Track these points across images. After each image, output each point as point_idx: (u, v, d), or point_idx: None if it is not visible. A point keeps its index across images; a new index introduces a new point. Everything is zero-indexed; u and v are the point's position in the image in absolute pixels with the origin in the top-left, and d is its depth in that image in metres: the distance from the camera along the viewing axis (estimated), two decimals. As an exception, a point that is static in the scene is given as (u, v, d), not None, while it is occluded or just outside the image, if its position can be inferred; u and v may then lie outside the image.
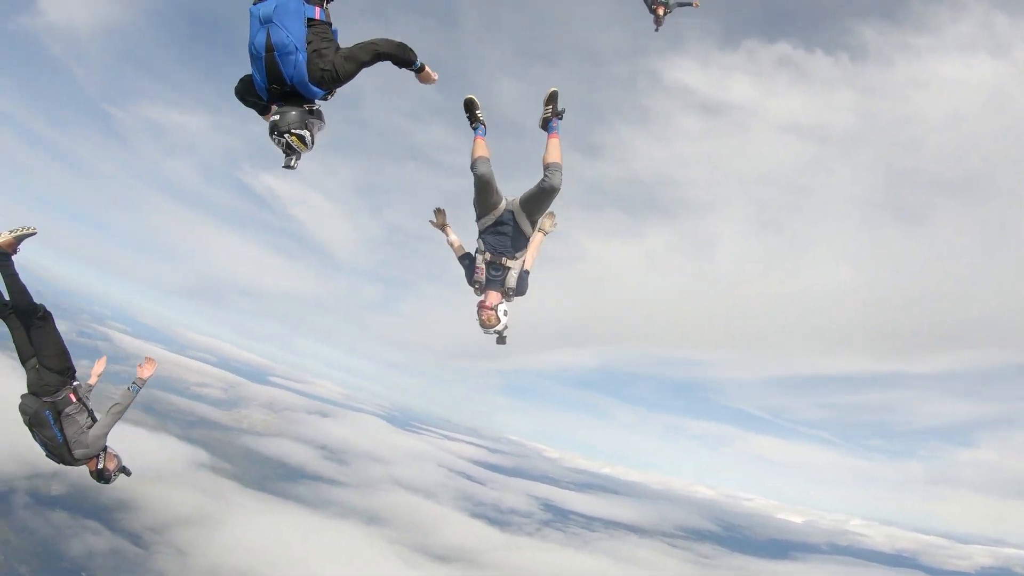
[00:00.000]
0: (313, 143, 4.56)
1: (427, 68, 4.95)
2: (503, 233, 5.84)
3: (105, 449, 6.52)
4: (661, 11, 13.00)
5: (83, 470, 6.61)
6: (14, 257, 6.14)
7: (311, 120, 4.47)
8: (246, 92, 4.77)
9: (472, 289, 5.96)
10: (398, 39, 4.74)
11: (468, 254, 6.17)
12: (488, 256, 5.83)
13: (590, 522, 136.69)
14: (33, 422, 6.18)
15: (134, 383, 6.69)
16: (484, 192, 5.78)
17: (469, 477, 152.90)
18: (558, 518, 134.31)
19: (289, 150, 4.48)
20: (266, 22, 4.25)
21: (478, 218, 5.96)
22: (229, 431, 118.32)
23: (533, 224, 5.94)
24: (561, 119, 6.11)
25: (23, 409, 6.24)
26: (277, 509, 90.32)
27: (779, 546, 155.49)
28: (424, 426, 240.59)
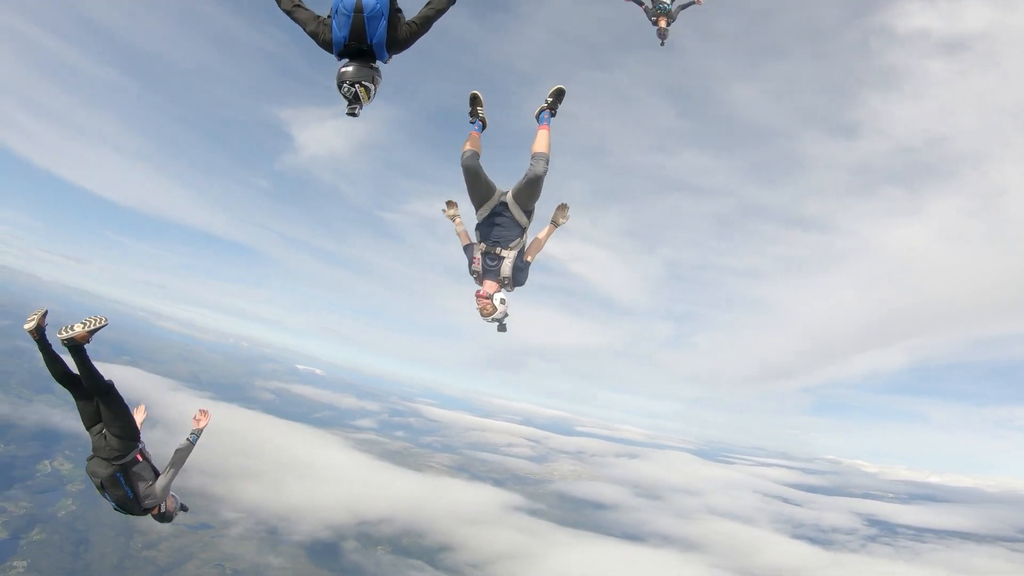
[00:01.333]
0: (374, 96, 5.13)
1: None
2: (497, 224, 6.09)
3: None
4: (664, 23, 11.89)
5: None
6: (87, 347, 6.26)
7: (377, 77, 5.05)
8: (315, 29, 5.21)
9: (472, 279, 6.20)
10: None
11: (470, 244, 6.38)
12: (483, 246, 6.11)
13: (920, 533, 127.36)
14: (104, 484, 6.45)
15: (192, 433, 7.06)
16: (473, 184, 6.05)
17: (786, 500, 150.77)
18: (885, 532, 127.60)
19: (355, 99, 5.02)
20: None
21: (476, 210, 6.24)
22: (542, 479, 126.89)
23: (528, 214, 6.16)
24: (554, 115, 6.40)
25: (92, 472, 6.48)
26: (594, 542, 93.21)
27: None
28: (734, 455, 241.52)
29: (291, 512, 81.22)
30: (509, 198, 6.06)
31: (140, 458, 6.65)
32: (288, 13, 5.26)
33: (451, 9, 5.23)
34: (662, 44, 11.97)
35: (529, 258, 6.26)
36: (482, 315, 5.95)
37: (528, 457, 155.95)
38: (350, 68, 4.96)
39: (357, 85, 4.94)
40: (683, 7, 12.07)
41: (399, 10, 5.03)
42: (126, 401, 6.45)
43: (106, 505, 6.74)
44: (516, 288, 6.19)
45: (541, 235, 6.43)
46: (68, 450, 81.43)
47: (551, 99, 6.41)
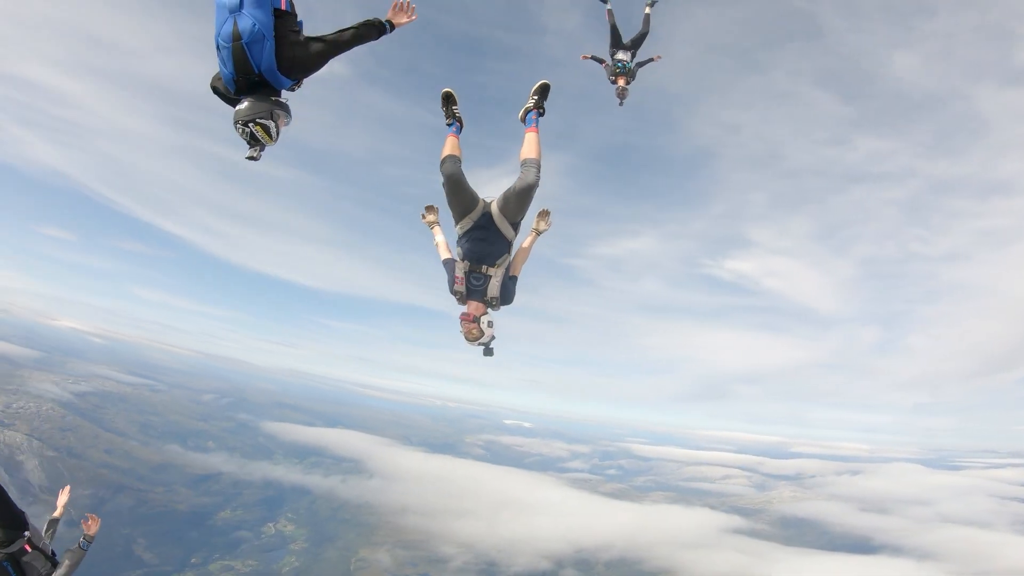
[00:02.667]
0: (278, 135, 4.45)
1: (395, 17, 4.82)
2: (482, 239, 5.47)
3: None
4: (623, 82, 11.46)
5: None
6: None
7: (277, 111, 4.38)
8: (219, 86, 4.72)
9: (454, 299, 5.53)
10: (367, 20, 4.68)
11: (452, 259, 5.70)
12: (467, 265, 5.46)
13: None
14: None
15: (84, 539, 7.12)
16: (454, 194, 5.48)
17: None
18: None
19: (253, 140, 4.37)
20: (233, 11, 4.20)
21: (456, 222, 5.62)
22: (762, 506, 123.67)
23: (515, 227, 5.58)
24: (542, 115, 5.84)
25: None
26: (822, 559, 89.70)
27: None
28: (964, 460, 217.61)
29: (509, 545, 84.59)
30: (494, 209, 5.52)
31: (29, 548, 6.47)
32: (215, 91, 4.75)
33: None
34: (620, 104, 11.53)
35: (516, 273, 5.74)
36: (467, 339, 5.43)
37: (745, 485, 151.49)
38: (243, 105, 4.34)
39: (252, 124, 4.30)
40: (641, 65, 11.69)
41: (295, 28, 4.45)
42: (16, 491, 7.50)
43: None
44: (503, 307, 5.63)
45: (524, 246, 5.93)
46: (291, 512, 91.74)
47: (536, 97, 5.91)
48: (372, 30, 4.67)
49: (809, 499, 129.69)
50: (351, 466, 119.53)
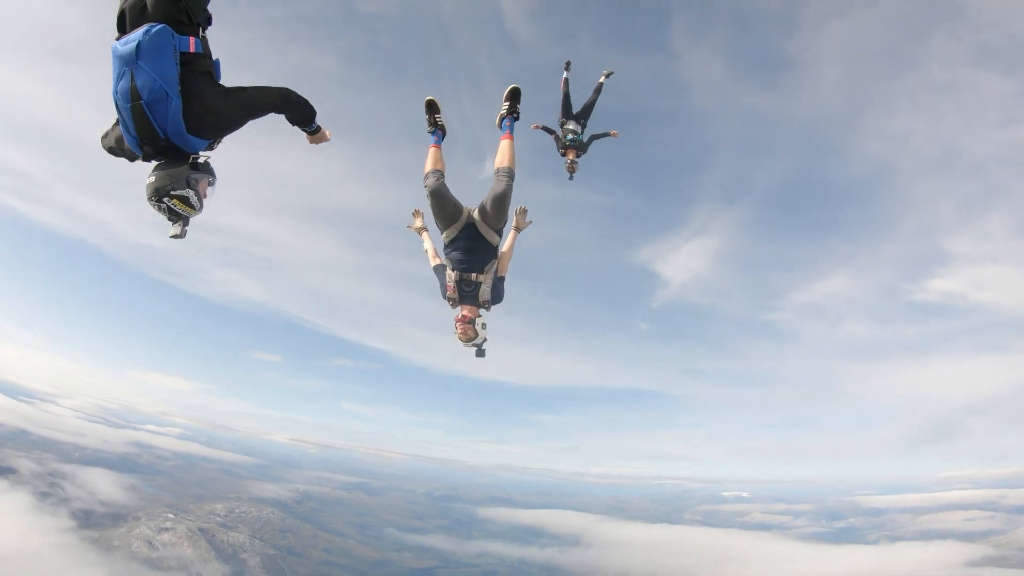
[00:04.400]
0: (202, 204, 3.92)
1: (322, 129, 4.54)
2: (468, 248, 5.63)
3: None
4: (572, 155, 10.50)
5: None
6: None
7: (194, 176, 3.83)
8: (117, 147, 4.15)
9: (447, 304, 5.77)
10: (300, 93, 4.19)
11: (442, 265, 5.87)
12: (457, 274, 5.64)
13: None
14: None
15: None
16: (439, 207, 5.57)
17: None
18: None
19: (173, 216, 3.84)
20: (129, 63, 3.50)
21: (441, 231, 5.76)
22: (1008, 538, 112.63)
23: (498, 232, 5.74)
24: (517, 119, 5.86)
25: None
26: None
27: None
28: None
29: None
30: (477, 218, 5.63)
31: None
32: (111, 151, 4.30)
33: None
34: (571, 178, 10.59)
35: (503, 273, 5.87)
36: (462, 341, 5.59)
37: (988, 519, 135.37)
38: (151, 178, 3.74)
39: (167, 199, 3.74)
40: (596, 137, 10.72)
41: (207, 71, 3.85)
42: None
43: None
44: (494, 307, 5.78)
45: (507, 245, 6.04)
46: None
47: (508, 103, 5.86)
48: (304, 113, 4.31)
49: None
50: (569, 540, 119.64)
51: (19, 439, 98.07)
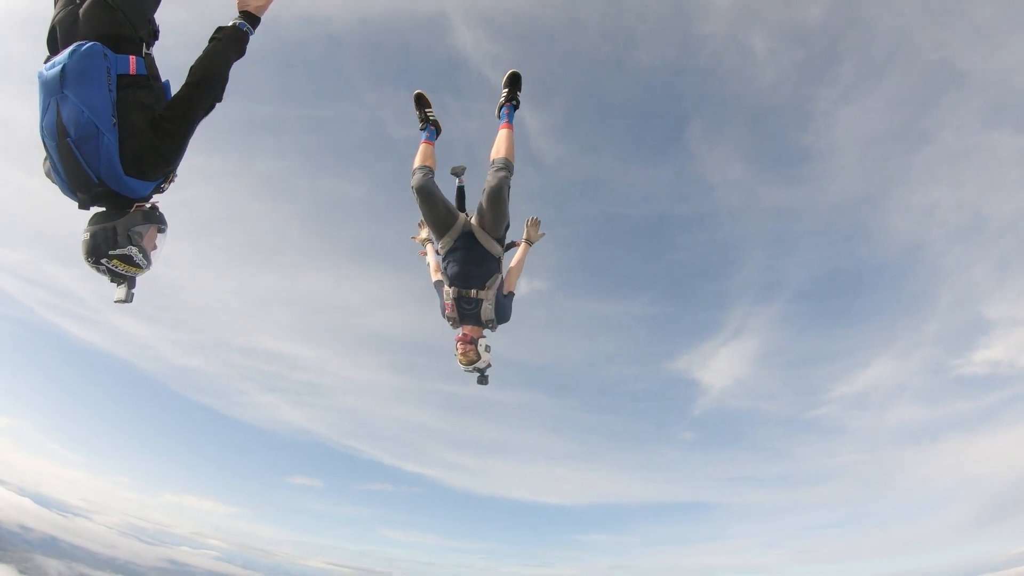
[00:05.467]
0: (148, 259, 3.12)
1: (245, 2, 3.28)
2: (466, 260, 4.87)
3: None
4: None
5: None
6: None
7: (136, 230, 3.01)
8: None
9: (447, 323, 5.03)
10: (208, 58, 3.12)
11: (441, 281, 5.12)
12: (455, 290, 4.86)
13: None
14: None
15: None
16: (428, 208, 4.85)
17: None
18: None
19: (116, 277, 3.07)
20: (53, 93, 2.76)
21: (436, 240, 5.06)
22: None
23: (500, 241, 4.99)
24: (517, 107, 5.19)
25: None
26: None
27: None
28: None
29: None
30: (474, 224, 4.89)
31: None
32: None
33: None
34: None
35: (511, 289, 5.13)
36: (462, 364, 4.86)
37: None
38: (86, 235, 2.95)
39: (106, 260, 2.94)
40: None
41: (150, 100, 3.01)
42: None
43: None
44: (500, 326, 5.01)
45: (516, 259, 5.37)
46: None
47: (507, 89, 5.18)
48: (231, 43, 3.15)
49: None
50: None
51: (49, 546, 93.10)
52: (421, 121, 5.39)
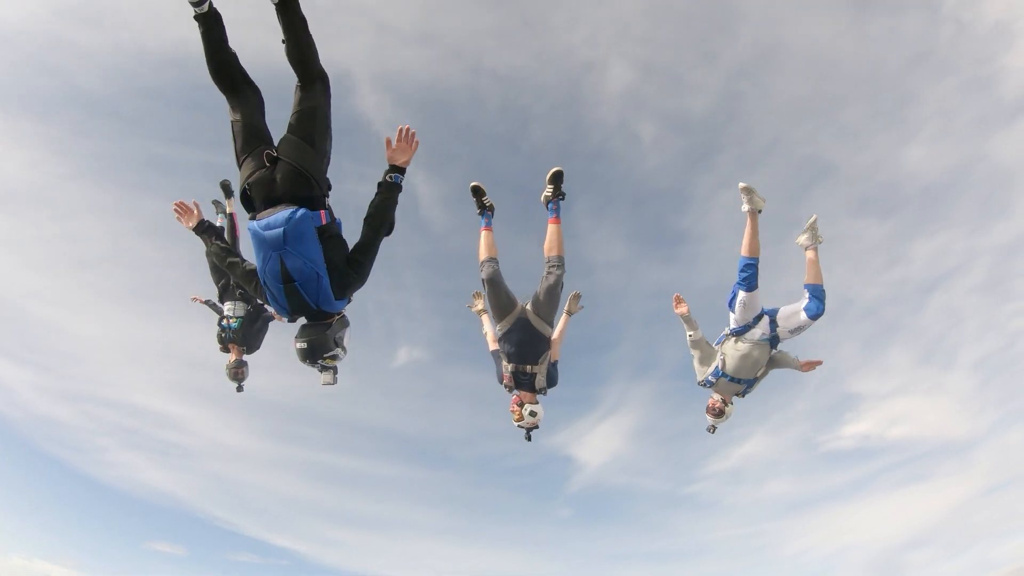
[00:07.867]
0: (346, 350, 4.12)
1: (395, 156, 3.87)
2: (522, 342, 5.46)
3: None
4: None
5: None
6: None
7: (339, 335, 3.99)
8: (240, 285, 4.58)
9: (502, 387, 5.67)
10: (379, 217, 3.81)
11: (498, 351, 5.69)
12: (511, 367, 5.50)
13: None
14: None
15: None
16: (494, 296, 5.42)
17: None
18: None
19: (325, 369, 4.10)
20: (277, 249, 3.49)
21: (496, 321, 5.61)
22: None
23: (551, 324, 5.58)
24: (563, 200, 5.61)
25: None
26: None
27: None
28: None
29: None
30: (530, 310, 5.44)
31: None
32: (223, 280, 4.69)
33: None
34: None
35: (556, 358, 5.67)
36: (516, 423, 5.53)
37: None
38: (303, 344, 3.81)
39: (321, 361, 3.95)
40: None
41: (335, 235, 3.75)
42: None
43: None
44: (550, 390, 5.63)
45: (558, 331, 5.78)
46: None
47: (551, 186, 5.59)
48: (391, 192, 3.84)
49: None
50: None
51: None
52: (479, 208, 5.79)
